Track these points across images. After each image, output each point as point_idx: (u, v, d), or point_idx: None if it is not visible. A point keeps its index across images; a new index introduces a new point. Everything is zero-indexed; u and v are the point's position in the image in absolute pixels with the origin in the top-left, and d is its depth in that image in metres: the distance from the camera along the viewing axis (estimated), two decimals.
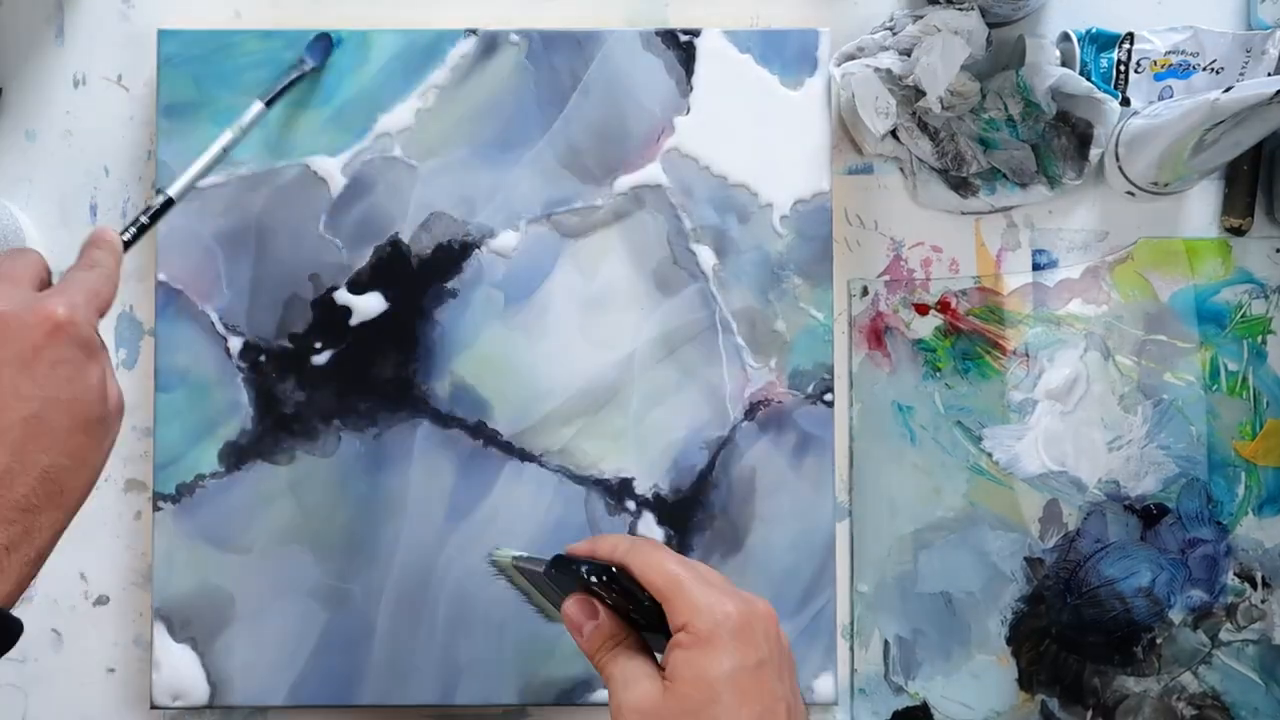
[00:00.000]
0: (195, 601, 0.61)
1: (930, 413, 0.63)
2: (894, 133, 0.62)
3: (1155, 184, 0.62)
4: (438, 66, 0.62)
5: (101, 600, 0.63)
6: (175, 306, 0.62)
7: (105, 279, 0.45)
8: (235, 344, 0.62)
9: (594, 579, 0.45)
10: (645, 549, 0.46)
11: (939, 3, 0.61)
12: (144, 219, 0.52)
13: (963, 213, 0.64)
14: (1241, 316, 0.63)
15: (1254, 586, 0.63)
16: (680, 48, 0.63)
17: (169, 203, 0.53)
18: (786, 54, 0.63)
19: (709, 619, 0.44)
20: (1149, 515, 0.63)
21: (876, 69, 0.61)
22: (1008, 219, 0.64)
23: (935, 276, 0.64)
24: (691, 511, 0.62)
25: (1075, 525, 0.63)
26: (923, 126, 0.62)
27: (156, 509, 0.61)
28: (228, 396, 0.62)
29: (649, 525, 0.61)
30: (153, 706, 0.61)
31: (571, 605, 0.47)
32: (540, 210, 0.62)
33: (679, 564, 0.45)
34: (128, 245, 0.50)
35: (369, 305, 0.62)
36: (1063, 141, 0.62)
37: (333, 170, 0.62)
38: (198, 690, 0.61)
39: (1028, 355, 0.63)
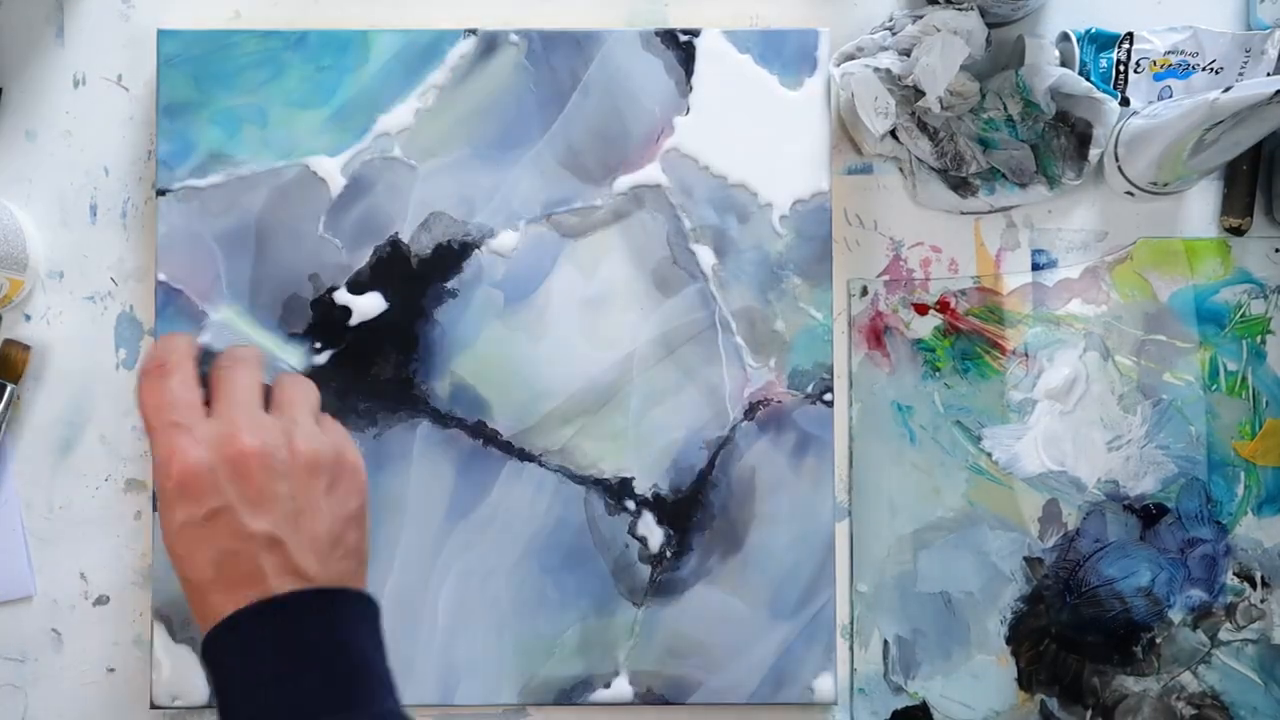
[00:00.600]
0: None
1: (930, 412, 0.63)
2: (893, 133, 0.62)
3: (1155, 184, 0.62)
4: (438, 66, 0.62)
5: (101, 600, 0.63)
6: (175, 306, 0.62)
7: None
8: None
9: None
10: (155, 379, 0.46)
11: (939, 3, 0.61)
12: None
13: (962, 213, 0.64)
14: (1241, 316, 0.63)
15: (1253, 586, 0.63)
16: (680, 48, 0.63)
17: None
18: (786, 54, 0.63)
19: (162, 475, 0.44)
20: (1148, 515, 0.63)
21: (876, 69, 0.61)
22: (1007, 219, 0.64)
23: (935, 276, 0.64)
24: (691, 511, 0.62)
25: (1075, 525, 0.63)
26: (922, 126, 0.62)
27: (156, 509, 0.61)
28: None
29: (648, 525, 0.62)
30: (153, 706, 0.61)
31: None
32: (540, 210, 0.62)
33: (173, 408, 0.45)
34: None
35: (369, 305, 0.62)
36: (1062, 141, 0.62)
37: (333, 170, 0.62)
38: (198, 690, 0.61)
39: (1027, 355, 0.63)
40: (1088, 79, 0.62)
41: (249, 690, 0.43)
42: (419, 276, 0.62)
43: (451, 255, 0.62)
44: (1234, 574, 0.63)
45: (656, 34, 0.63)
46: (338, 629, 0.44)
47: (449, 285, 0.62)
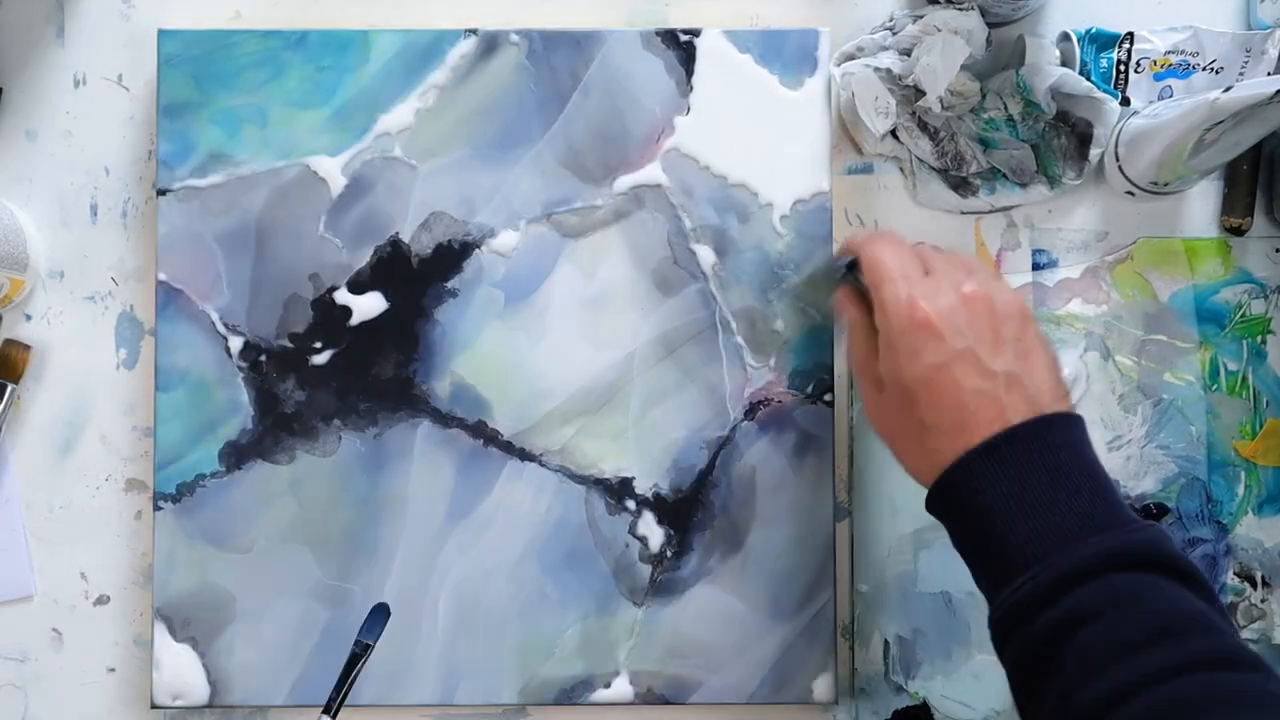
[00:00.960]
0: (195, 601, 0.61)
1: None
2: (894, 132, 0.62)
3: (1155, 184, 0.62)
4: (438, 66, 0.62)
5: (102, 600, 0.63)
6: (175, 306, 0.62)
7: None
8: (235, 344, 0.62)
9: (844, 274, 0.54)
10: (873, 242, 0.52)
11: (939, 3, 0.61)
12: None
13: (962, 212, 0.64)
14: (1241, 316, 0.63)
15: (1254, 586, 0.63)
16: (680, 48, 0.63)
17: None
18: (786, 54, 0.63)
19: (895, 323, 0.49)
20: (1149, 515, 0.63)
21: (876, 69, 0.61)
22: (1008, 219, 0.64)
23: None
24: (691, 511, 0.62)
25: None
26: (923, 126, 0.62)
27: (157, 509, 0.61)
28: (228, 396, 0.62)
29: (649, 525, 0.62)
30: (153, 706, 0.61)
31: (838, 296, 0.55)
32: (540, 210, 0.62)
33: (894, 255, 0.51)
34: None
35: (369, 305, 0.62)
36: (1063, 141, 0.62)
37: (333, 170, 0.62)
38: (198, 690, 0.61)
39: None
40: (1088, 79, 0.62)
41: (1019, 514, 0.45)
42: (419, 276, 0.62)
43: (452, 255, 0.62)
44: (1234, 574, 0.63)
45: (657, 34, 0.63)
46: (1083, 451, 0.47)
47: (449, 285, 0.62)
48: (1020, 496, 0.45)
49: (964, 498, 0.47)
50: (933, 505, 0.49)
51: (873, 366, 0.51)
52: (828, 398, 0.62)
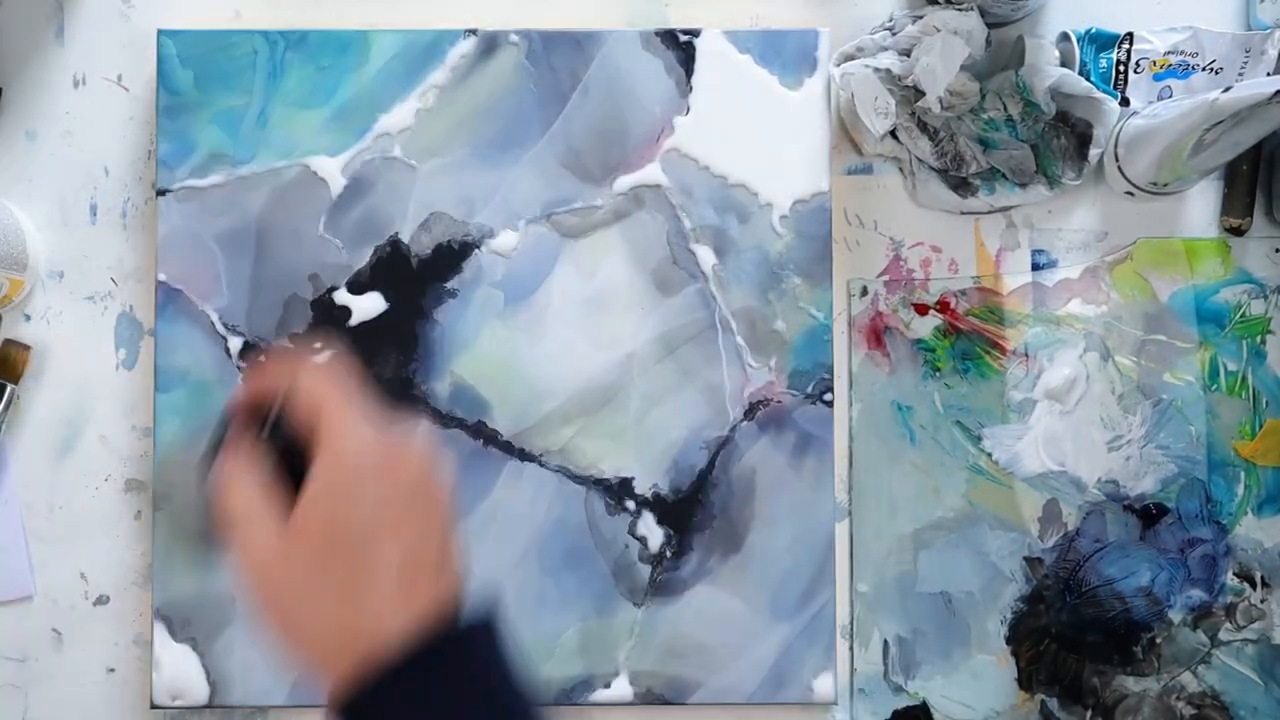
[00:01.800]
0: (195, 601, 0.61)
1: (930, 413, 0.63)
2: (893, 133, 0.62)
3: (1155, 184, 0.62)
4: (438, 66, 0.62)
5: (101, 600, 0.63)
6: (175, 306, 0.62)
7: None
8: (235, 344, 0.62)
9: None
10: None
11: (939, 3, 0.61)
12: None
13: (962, 213, 0.64)
14: (1241, 316, 0.63)
15: (1253, 586, 0.63)
16: (680, 48, 0.63)
17: None
18: (786, 54, 0.63)
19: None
20: (1148, 515, 0.63)
21: (876, 69, 0.61)
22: (1007, 219, 0.64)
23: (935, 276, 0.64)
24: (691, 511, 0.62)
25: (1075, 525, 0.63)
26: (922, 126, 0.62)
27: (157, 509, 0.61)
28: (228, 396, 0.62)
29: (649, 525, 0.62)
30: (153, 706, 0.61)
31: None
32: (540, 210, 0.62)
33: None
34: None
35: (369, 305, 0.62)
36: (1062, 141, 0.62)
37: (333, 170, 0.62)
38: (198, 690, 0.61)
39: (1027, 355, 0.63)
40: (1088, 79, 0.62)
41: None
42: (419, 276, 0.62)
43: (451, 255, 0.62)
44: (1234, 574, 0.63)
45: (656, 34, 0.63)
46: None
47: (449, 285, 0.62)
48: None
49: None
50: None
51: None
52: (828, 398, 0.62)
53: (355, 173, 0.62)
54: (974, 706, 0.62)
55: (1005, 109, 0.62)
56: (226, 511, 0.41)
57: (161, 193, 0.62)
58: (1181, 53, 0.63)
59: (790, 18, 0.65)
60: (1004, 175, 0.62)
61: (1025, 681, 0.62)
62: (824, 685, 0.61)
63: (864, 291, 0.64)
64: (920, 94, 0.61)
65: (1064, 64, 0.62)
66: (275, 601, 0.40)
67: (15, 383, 0.62)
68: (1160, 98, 0.63)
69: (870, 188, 0.64)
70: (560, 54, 0.63)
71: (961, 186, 0.63)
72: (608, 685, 0.61)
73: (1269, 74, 0.61)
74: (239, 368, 0.62)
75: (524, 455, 0.62)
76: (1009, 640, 0.63)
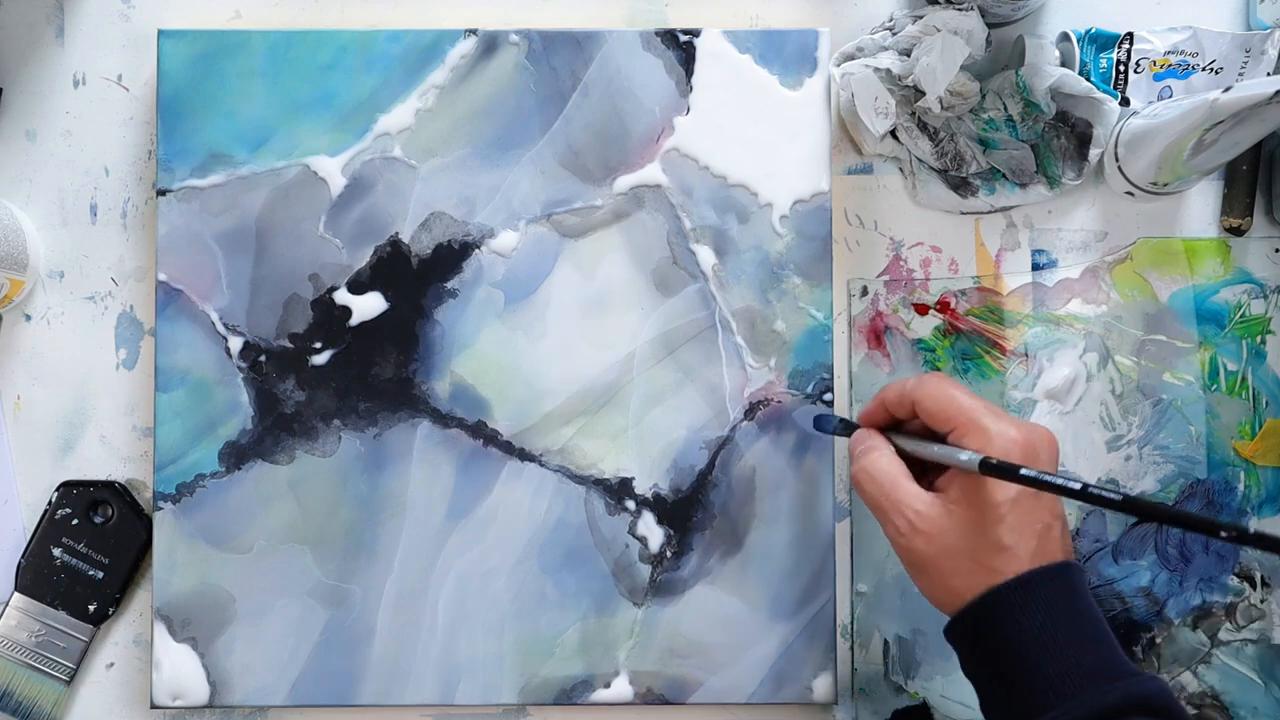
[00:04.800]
0: (195, 601, 0.61)
1: None
2: (894, 133, 0.62)
3: (1155, 184, 0.62)
4: (438, 66, 0.63)
5: None
6: (175, 306, 0.62)
7: None
8: (235, 344, 0.62)
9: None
10: (930, 382, 0.52)
11: (939, 3, 0.61)
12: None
13: (962, 213, 0.64)
14: (1241, 316, 0.63)
15: (1253, 586, 0.63)
16: (680, 48, 0.63)
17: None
18: (786, 54, 0.63)
19: (1000, 446, 0.49)
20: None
21: (876, 69, 0.61)
22: (1007, 219, 0.64)
23: (935, 276, 0.64)
24: (691, 511, 0.62)
25: (1075, 525, 0.63)
26: (922, 126, 0.62)
27: (156, 509, 0.61)
28: (228, 396, 0.62)
29: (648, 525, 0.62)
30: (153, 706, 0.61)
31: (856, 437, 0.56)
32: (540, 210, 0.62)
33: (965, 393, 0.52)
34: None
35: (369, 305, 0.62)
36: (1062, 141, 0.62)
37: (333, 170, 0.62)
38: (198, 690, 0.61)
39: (1027, 355, 0.63)
40: (1088, 79, 0.62)
41: (1051, 650, 0.47)
42: (419, 276, 0.62)
43: (451, 255, 0.62)
44: (1234, 574, 0.63)
45: (656, 34, 0.63)
46: (1094, 601, 0.50)
47: (449, 285, 0.62)
48: (1054, 634, 0.47)
49: (996, 626, 0.48)
50: (957, 627, 0.50)
51: (905, 494, 0.51)
52: (827, 397, 0.62)
53: (355, 173, 0.62)
54: (974, 706, 0.62)
55: (1005, 109, 0.62)
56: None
57: (162, 193, 0.62)
58: (1181, 53, 0.63)
59: (790, 18, 0.65)
60: (1004, 175, 0.62)
61: None
62: (824, 685, 0.61)
63: (864, 291, 0.64)
64: (920, 94, 0.61)
65: (1064, 64, 0.62)
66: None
67: None
68: (1160, 98, 0.63)
69: (870, 188, 0.64)
70: (560, 54, 0.63)
71: (961, 186, 0.63)
72: (608, 685, 0.61)
73: (1269, 74, 0.62)
74: (239, 368, 0.62)
75: (524, 455, 0.62)
76: None
